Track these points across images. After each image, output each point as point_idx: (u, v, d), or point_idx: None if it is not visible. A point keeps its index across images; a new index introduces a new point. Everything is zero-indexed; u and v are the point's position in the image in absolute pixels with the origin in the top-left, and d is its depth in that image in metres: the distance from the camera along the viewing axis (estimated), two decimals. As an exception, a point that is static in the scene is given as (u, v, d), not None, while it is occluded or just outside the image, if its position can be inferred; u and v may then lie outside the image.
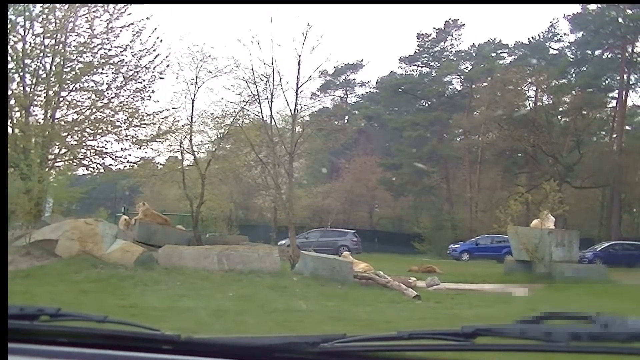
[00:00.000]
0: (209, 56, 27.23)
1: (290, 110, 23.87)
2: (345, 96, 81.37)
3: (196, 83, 27.58)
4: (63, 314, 2.47)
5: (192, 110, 28.06)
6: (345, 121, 74.30)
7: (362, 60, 79.69)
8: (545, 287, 22.63)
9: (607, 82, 60.55)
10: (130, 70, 25.19)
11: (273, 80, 24.14)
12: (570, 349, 1.95)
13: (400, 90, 70.32)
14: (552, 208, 27.62)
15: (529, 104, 58.15)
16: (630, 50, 58.55)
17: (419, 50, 71.54)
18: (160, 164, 30.79)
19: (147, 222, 23.70)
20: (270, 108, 24.24)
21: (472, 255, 45.83)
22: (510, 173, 59.38)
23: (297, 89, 23.59)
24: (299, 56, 23.43)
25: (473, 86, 67.74)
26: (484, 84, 62.96)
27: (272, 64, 23.97)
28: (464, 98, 67.79)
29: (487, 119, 57.43)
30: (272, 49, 25.46)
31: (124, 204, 54.96)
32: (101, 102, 24.96)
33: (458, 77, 71.12)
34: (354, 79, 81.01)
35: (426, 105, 70.73)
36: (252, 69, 24.34)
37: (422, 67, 72.24)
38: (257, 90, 24.22)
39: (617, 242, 44.86)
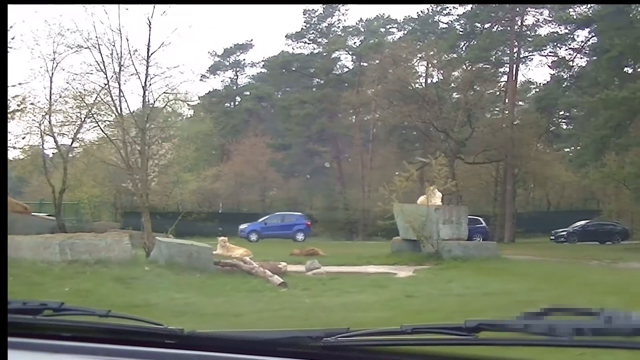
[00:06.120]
0: (68, 30, 25.21)
1: (140, 82, 21.52)
2: (236, 77, 79.23)
3: (54, 59, 25.77)
4: (66, 308, 2.44)
5: (51, 88, 26.10)
6: (237, 102, 73.32)
7: (251, 40, 78.67)
8: (431, 267, 21.90)
9: (497, 55, 60.21)
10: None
11: (121, 49, 21.86)
12: (573, 344, 1.94)
13: (289, 68, 69.79)
14: (439, 183, 26.49)
15: (420, 79, 57.36)
16: (519, 22, 58.31)
17: (305, 26, 70.83)
18: (18, 148, 28.53)
19: (4, 211, 21.42)
20: (118, 80, 21.90)
21: (260, 235, 44.60)
22: (403, 150, 58.40)
23: (148, 57, 21.30)
24: (150, 20, 21.04)
25: (362, 62, 66.94)
26: (377, 61, 61.80)
27: (120, 29, 21.67)
28: (354, 75, 67.05)
29: (377, 95, 56.52)
30: (119, 14, 22.78)
31: (-1, 195, 52.22)
32: None
33: (347, 53, 70.67)
34: (244, 60, 79.09)
35: (315, 82, 69.80)
36: (97, 37, 22.05)
37: (309, 43, 71.62)
38: (102, 59, 21.85)
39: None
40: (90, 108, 26.23)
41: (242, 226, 46.07)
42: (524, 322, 2.00)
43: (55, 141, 27.26)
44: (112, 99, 22.36)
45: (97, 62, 22.20)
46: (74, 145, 28.97)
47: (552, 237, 46.89)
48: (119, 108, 21.87)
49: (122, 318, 2.47)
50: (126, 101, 22.36)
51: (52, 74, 26.69)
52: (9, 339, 2.13)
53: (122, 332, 2.27)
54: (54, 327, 2.31)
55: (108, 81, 22.32)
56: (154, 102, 22.60)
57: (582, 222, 46.96)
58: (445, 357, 2.13)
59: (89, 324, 2.35)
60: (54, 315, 2.40)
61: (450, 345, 2.09)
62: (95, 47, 22.19)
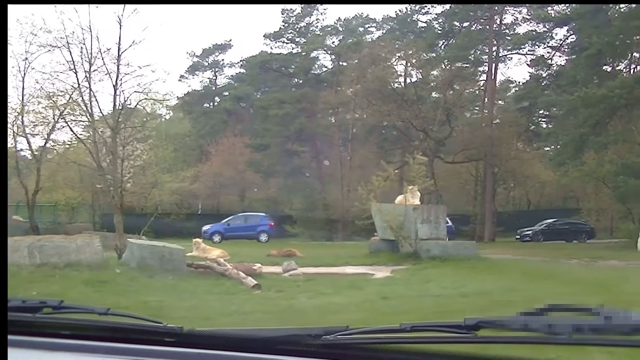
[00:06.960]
0: (40, 29, 24.83)
1: (112, 80, 21.18)
2: (214, 77, 78.72)
3: (26, 58, 25.40)
4: (65, 307, 2.47)
5: (23, 88, 25.71)
6: (215, 103, 72.99)
7: (230, 40, 78.29)
8: (409, 267, 21.50)
9: (476, 54, 60.11)
10: None
11: (91, 47, 21.56)
12: (572, 342, 1.94)
13: (267, 68, 69.85)
14: (417, 182, 26.19)
15: (399, 79, 57.23)
16: (498, 21, 58.22)
17: (284, 26, 70.47)
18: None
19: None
20: (89, 80, 21.58)
21: (224, 236, 43.88)
22: (382, 150, 58.14)
23: (119, 55, 21.00)
24: (120, 19, 20.77)
25: (341, 62, 66.68)
26: (355, 60, 61.53)
27: (90, 27, 21.42)
28: (333, 75, 67.00)
29: (356, 95, 56.40)
30: (89, 12, 22.56)
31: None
32: None
33: (325, 52, 70.62)
34: (223, 60, 78.67)
35: (294, 82, 69.83)
36: (67, 35, 21.79)
37: (288, 43, 71.27)
38: (72, 58, 21.59)
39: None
40: (62, 109, 25.86)
41: (205, 227, 45.42)
42: (523, 320, 2.02)
43: (28, 142, 26.83)
44: (83, 99, 22.02)
45: (67, 61, 21.91)
46: (47, 146, 28.62)
47: (518, 237, 46.89)
48: (90, 108, 21.52)
49: (121, 316, 2.50)
50: (97, 101, 22.11)
51: (25, 73, 26.29)
52: (9, 337, 2.18)
53: (121, 330, 2.32)
54: (53, 325, 2.37)
55: (79, 81, 22.01)
56: (125, 101, 22.30)
57: (549, 221, 47.19)
58: (444, 355, 2.14)
59: (88, 322, 2.38)
60: (53, 313, 2.44)
61: (449, 343, 2.11)
62: (66, 47, 21.89)
